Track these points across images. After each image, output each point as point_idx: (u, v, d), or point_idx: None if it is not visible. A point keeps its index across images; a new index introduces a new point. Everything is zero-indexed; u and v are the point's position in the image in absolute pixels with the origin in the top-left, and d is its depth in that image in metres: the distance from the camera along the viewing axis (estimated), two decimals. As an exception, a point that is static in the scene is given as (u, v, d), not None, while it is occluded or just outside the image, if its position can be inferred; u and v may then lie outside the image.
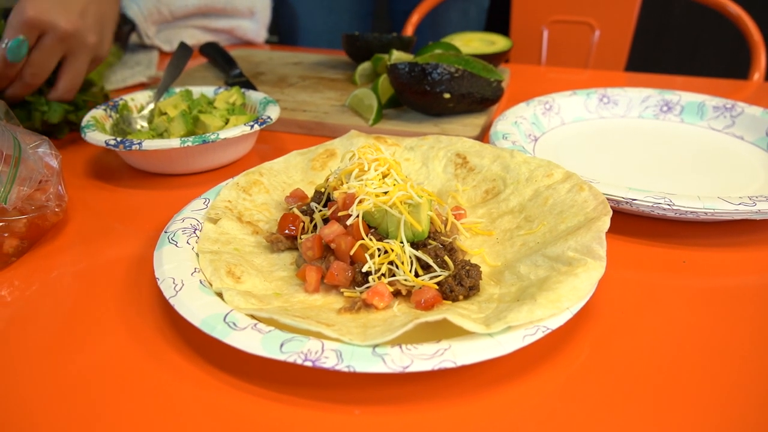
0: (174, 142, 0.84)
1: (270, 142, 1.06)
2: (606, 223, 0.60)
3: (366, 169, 0.67)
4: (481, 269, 0.62)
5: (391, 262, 0.60)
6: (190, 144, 0.84)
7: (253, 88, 1.17)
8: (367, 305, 0.58)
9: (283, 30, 1.86)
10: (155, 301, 0.63)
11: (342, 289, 0.61)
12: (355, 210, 0.62)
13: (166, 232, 0.66)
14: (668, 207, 0.70)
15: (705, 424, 0.47)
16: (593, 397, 0.50)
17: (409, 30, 1.74)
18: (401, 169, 0.72)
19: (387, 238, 0.62)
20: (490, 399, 0.50)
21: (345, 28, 1.79)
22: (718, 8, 1.54)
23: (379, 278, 0.60)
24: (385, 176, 0.67)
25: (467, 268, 0.60)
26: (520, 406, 0.49)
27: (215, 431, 0.47)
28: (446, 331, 0.51)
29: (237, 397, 0.51)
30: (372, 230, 0.63)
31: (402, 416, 0.48)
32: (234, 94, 1.02)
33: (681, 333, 0.58)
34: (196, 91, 1.04)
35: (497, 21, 1.99)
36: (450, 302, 0.59)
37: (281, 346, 0.49)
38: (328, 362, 0.47)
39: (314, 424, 0.48)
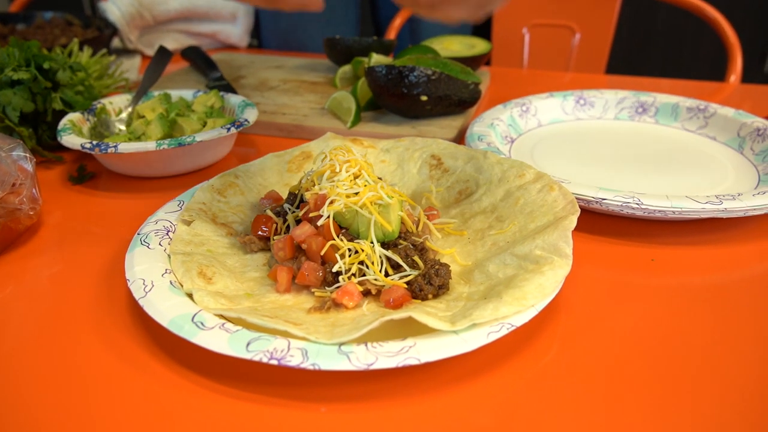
0: (150, 145, 0.84)
1: (249, 145, 1.07)
2: (573, 221, 0.61)
3: (338, 170, 0.67)
4: (450, 268, 0.62)
5: (361, 262, 0.61)
6: (165, 147, 0.84)
7: (233, 91, 1.17)
8: (337, 305, 0.58)
9: (281, 44, 1.85)
10: (127, 303, 0.63)
11: (313, 289, 0.62)
12: (325, 211, 0.63)
13: (138, 234, 0.66)
14: (637, 206, 0.71)
15: (673, 421, 0.48)
16: (560, 393, 0.51)
17: (391, 34, 1.75)
18: (374, 170, 0.72)
19: (358, 238, 0.63)
20: (455, 396, 0.51)
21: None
22: (696, 11, 1.57)
23: (349, 278, 0.60)
24: (356, 177, 0.67)
25: (437, 267, 0.61)
26: (486, 403, 0.50)
27: (182, 430, 0.47)
28: (414, 329, 0.52)
29: (204, 396, 0.51)
30: (343, 231, 0.63)
31: (367, 413, 0.49)
32: (212, 98, 1.03)
33: (649, 330, 0.59)
34: (175, 94, 1.05)
35: (480, 25, 2.01)
36: (419, 301, 0.59)
37: (248, 345, 0.49)
38: (294, 360, 0.48)
39: (280, 421, 0.48)
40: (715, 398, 0.50)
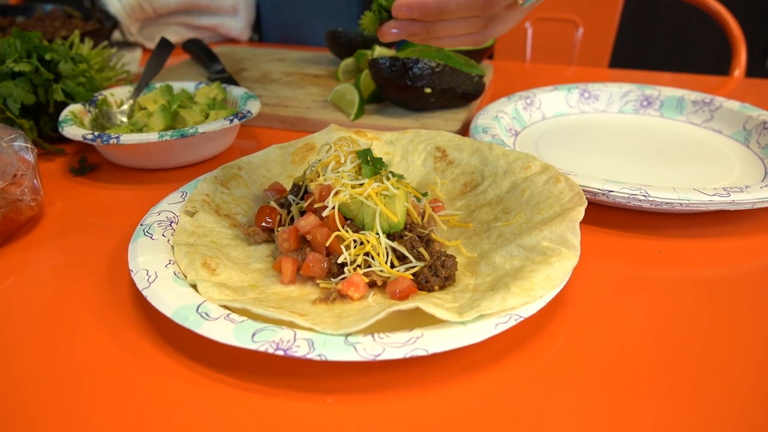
0: (152, 136, 0.83)
1: (252, 138, 1.06)
2: (580, 213, 0.60)
3: (342, 161, 0.67)
4: (457, 260, 0.62)
5: (367, 254, 0.60)
6: (168, 138, 0.83)
7: (235, 83, 1.16)
8: (343, 296, 0.58)
9: (282, 38, 1.84)
10: (131, 294, 0.63)
11: (318, 281, 0.61)
12: (330, 201, 0.62)
13: (141, 225, 0.66)
14: (644, 198, 0.70)
15: (680, 414, 0.48)
16: (567, 385, 0.50)
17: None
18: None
19: (363, 229, 0.62)
20: (462, 387, 0.50)
21: None
22: (700, 5, 1.56)
23: (354, 269, 0.60)
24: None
25: (443, 258, 0.60)
26: (494, 394, 0.50)
27: (187, 421, 0.47)
28: (421, 321, 0.51)
29: (210, 387, 0.50)
30: (348, 222, 0.63)
31: (374, 405, 0.48)
32: (215, 90, 1.02)
33: (656, 323, 0.58)
34: (177, 86, 1.04)
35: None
36: (425, 293, 0.59)
37: (253, 335, 0.49)
38: (300, 351, 0.47)
39: (286, 413, 0.48)
40: (723, 392, 0.50)
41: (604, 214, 0.77)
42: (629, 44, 2.97)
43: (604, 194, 0.72)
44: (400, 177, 0.66)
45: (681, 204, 0.70)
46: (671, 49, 3.01)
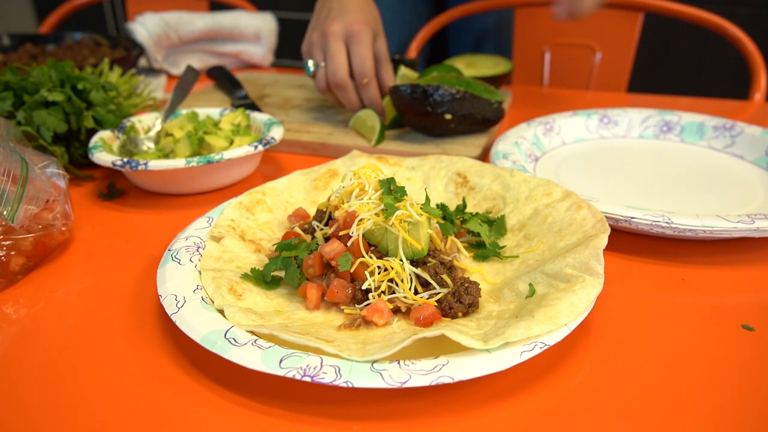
0: (179, 162, 0.85)
1: (274, 163, 1.08)
2: (604, 240, 0.61)
3: (366, 188, 0.68)
4: (480, 287, 0.62)
5: (390, 280, 0.61)
6: (194, 164, 0.85)
7: (258, 109, 1.18)
8: (367, 322, 0.58)
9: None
10: (158, 318, 0.64)
11: (342, 307, 0.62)
12: (355, 229, 0.63)
13: (169, 250, 0.67)
14: (667, 225, 0.70)
15: (703, 441, 0.47)
16: (592, 414, 0.50)
17: (412, 52, 1.77)
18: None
19: (387, 255, 0.63)
20: (488, 415, 0.50)
21: None
22: (718, 30, 1.56)
23: (378, 295, 0.60)
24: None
25: (466, 285, 0.61)
26: (519, 422, 0.49)
27: (214, 447, 0.48)
28: (445, 347, 0.52)
29: (237, 413, 0.51)
30: (372, 248, 0.64)
31: (400, 432, 0.49)
32: (239, 116, 1.04)
33: (682, 351, 0.58)
34: (202, 112, 1.06)
35: (501, 44, 2.01)
36: (449, 319, 0.59)
37: (280, 361, 0.49)
38: (327, 378, 0.48)
39: (313, 439, 0.48)
40: (751, 423, 0.49)
41: (626, 240, 0.77)
42: (645, 69, 2.97)
43: (626, 221, 0.72)
44: (426, 204, 0.66)
45: (705, 231, 0.69)
46: (688, 73, 3.01)
